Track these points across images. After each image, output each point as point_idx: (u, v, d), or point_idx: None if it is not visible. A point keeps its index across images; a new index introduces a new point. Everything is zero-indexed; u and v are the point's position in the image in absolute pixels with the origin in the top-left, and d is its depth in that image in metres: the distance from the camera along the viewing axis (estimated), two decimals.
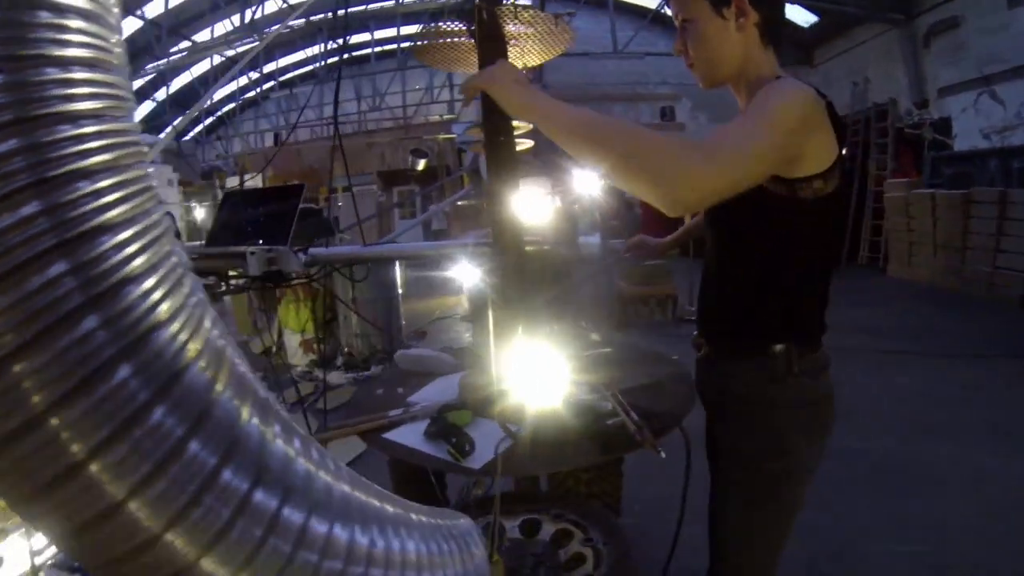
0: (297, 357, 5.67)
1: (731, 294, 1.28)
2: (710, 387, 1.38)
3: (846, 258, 9.72)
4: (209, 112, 18.56)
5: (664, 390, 1.53)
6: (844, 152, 1.14)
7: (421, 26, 1.72)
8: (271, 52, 16.33)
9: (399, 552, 0.64)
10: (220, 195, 11.72)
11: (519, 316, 1.36)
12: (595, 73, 15.26)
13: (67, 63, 0.47)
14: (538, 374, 1.26)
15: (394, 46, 17.41)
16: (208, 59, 16.14)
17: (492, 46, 1.28)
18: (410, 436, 1.36)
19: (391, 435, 1.39)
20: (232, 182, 12.44)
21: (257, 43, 9.80)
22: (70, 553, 0.48)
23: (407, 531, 0.68)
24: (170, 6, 12.37)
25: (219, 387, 0.52)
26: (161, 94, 17.13)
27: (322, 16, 13.74)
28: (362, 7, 15.92)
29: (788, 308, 1.21)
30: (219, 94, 17.57)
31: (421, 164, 10.61)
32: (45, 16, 0.45)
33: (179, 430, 0.48)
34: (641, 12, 15.18)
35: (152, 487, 0.46)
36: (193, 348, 0.51)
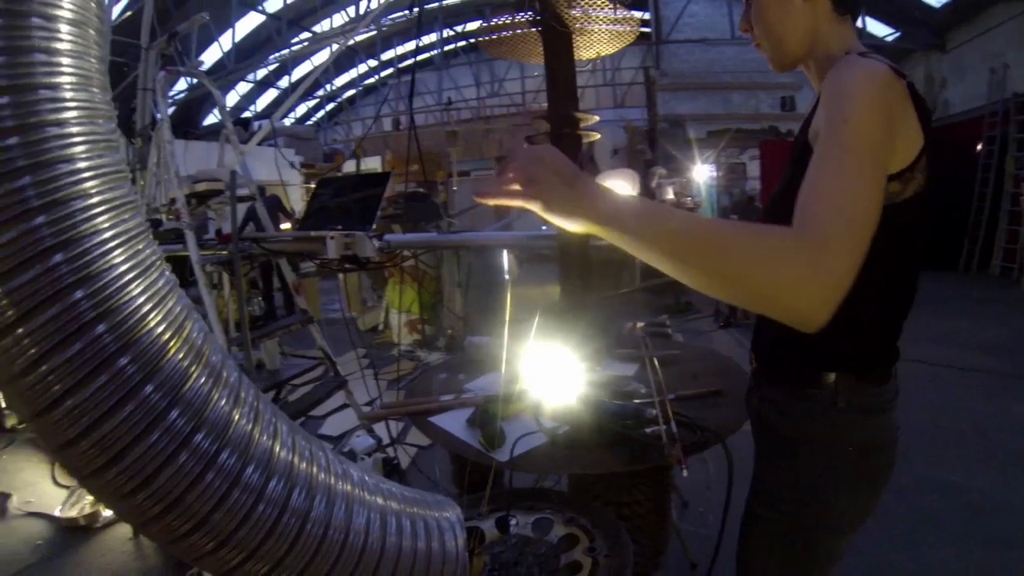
0: (402, 336, 5.93)
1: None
2: (751, 409, 1.23)
3: (976, 266, 8.77)
4: (330, 98, 19.63)
5: (724, 402, 1.46)
6: (928, 143, 0.93)
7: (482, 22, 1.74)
8: (389, 40, 16.97)
9: (342, 520, 0.70)
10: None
11: (575, 314, 1.36)
12: (713, 60, 14.80)
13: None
14: (582, 375, 1.26)
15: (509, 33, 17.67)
16: (327, 48, 17.10)
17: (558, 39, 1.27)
18: (453, 422, 1.41)
19: (437, 419, 1.44)
20: (350, 165, 13.17)
21: (374, 32, 10.23)
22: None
23: (360, 507, 0.73)
24: (288, 1, 12.95)
25: (175, 353, 0.61)
26: (284, 82, 18.38)
27: (436, 4, 14.07)
28: None
29: (850, 331, 0.99)
30: (339, 81, 18.54)
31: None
32: (40, 57, 0.58)
33: (136, 377, 0.61)
34: None
35: (108, 423, 0.59)
36: (154, 319, 0.63)
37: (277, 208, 6.81)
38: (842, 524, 1.10)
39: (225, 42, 13.67)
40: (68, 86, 0.60)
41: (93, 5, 0.64)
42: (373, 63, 18.52)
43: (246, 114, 18.46)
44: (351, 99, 21.15)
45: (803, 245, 0.73)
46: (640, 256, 0.77)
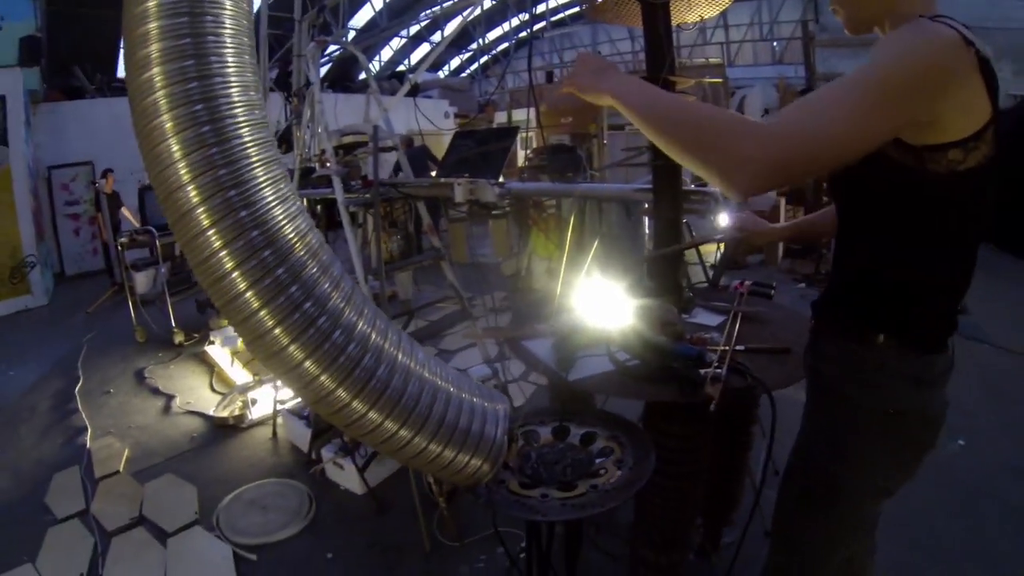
0: (541, 281, 6.18)
1: (844, 268, 1.19)
2: (806, 364, 1.28)
3: None
4: (484, 51, 20.06)
5: (789, 360, 1.53)
6: (996, 116, 0.95)
7: None
8: None
9: (399, 384, 0.97)
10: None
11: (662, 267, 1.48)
12: None
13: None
14: (661, 317, 1.40)
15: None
16: (478, 5, 17.36)
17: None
18: (540, 346, 1.60)
19: (528, 342, 1.64)
20: (501, 117, 13.59)
21: None
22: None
23: (432, 390, 0.95)
24: None
25: (298, 251, 0.87)
26: (436, 37, 19.02)
27: None
28: None
29: (901, 295, 1.07)
30: (493, 34, 18.87)
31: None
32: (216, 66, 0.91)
33: (272, 262, 0.95)
34: None
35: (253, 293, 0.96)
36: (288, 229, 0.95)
37: (427, 156, 7.29)
38: (880, 488, 1.16)
39: (377, 1, 14.31)
40: (236, 93, 0.90)
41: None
42: (524, 17, 18.73)
43: (400, 68, 19.39)
44: (505, 51, 21.57)
45: (759, 130, 0.87)
46: (635, 122, 1.00)
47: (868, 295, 1.11)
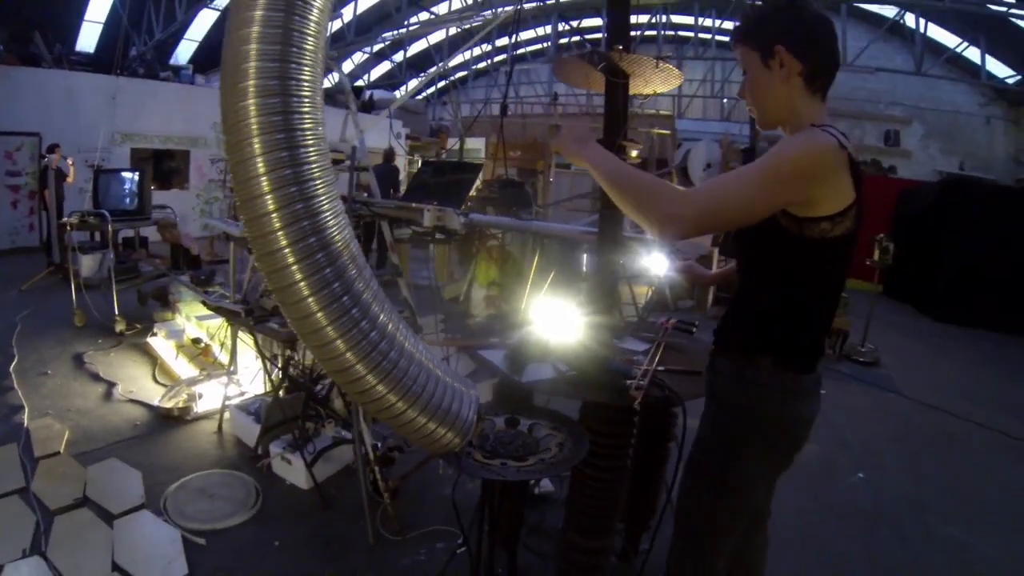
0: (479, 308, 6.46)
1: (739, 305, 1.54)
2: (706, 379, 1.61)
3: None
4: (442, 76, 20.52)
5: (699, 380, 1.83)
6: (857, 201, 1.32)
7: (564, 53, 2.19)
8: (504, 26, 17.57)
9: (410, 363, 1.25)
10: (444, 154, 13.29)
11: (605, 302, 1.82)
12: None
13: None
14: (598, 340, 1.73)
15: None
16: (444, 30, 17.79)
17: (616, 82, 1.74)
18: (494, 355, 1.92)
19: (483, 351, 1.94)
20: (453, 142, 14.04)
21: (491, 17, 10.81)
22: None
23: (426, 372, 1.25)
24: None
25: (345, 257, 1.15)
26: (399, 56, 19.37)
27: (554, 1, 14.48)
28: None
29: (781, 328, 1.42)
30: (453, 61, 19.35)
31: (634, 153, 11.00)
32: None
33: (324, 263, 1.21)
34: (877, 21, 13.92)
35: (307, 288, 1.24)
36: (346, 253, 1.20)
37: (397, 177, 7.56)
38: (751, 474, 1.49)
39: (347, 13, 14.54)
40: (307, 109, 1.19)
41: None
42: (487, 48, 19.25)
43: (359, 83, 19.61)
44: (463, 79, 22.04)
45: (684, 196, 1.27)
46: (599, 181, 1.39)
47: (757, 327, 1.47)
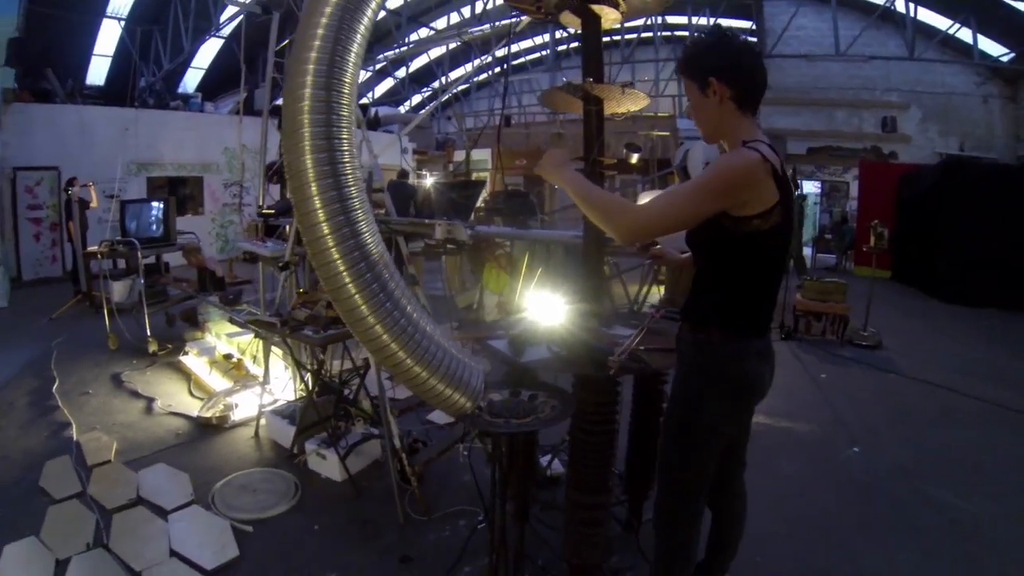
0: (492, 315, 6.80)
1: (697, 289, 1.90)
2: (676, 348, 1.98)
3: None
4: (445, 90, 21.01)
5: (673, 356, 2.18)
6: (784, 198, 1.68)
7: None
8: (502, 38, 18.02)
9: (430, 343, 1.61)
10: (450, 167, 13.72)
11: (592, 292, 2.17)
12: (819, 76, 14.97)
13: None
14: (587, 325, 2.07)
15: (619, 38, 18.28)
16: (444, 45, 18.27)
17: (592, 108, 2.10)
18: (501, 343, 2.27)
19: (492, 341, 2.30)
20: (460, 155, 14.51)
21: (488, 29, 11.21)
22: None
23: (439, 346, 1.60)
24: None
25: (379, 264, 1.54)
26: (401, 72, 19.84)
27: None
28: None
29: (726, 305, 1.79)
30: (454, 74, 19.85)
31: (634, 158, 11.33)
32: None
33: (364, 268, 1.57)
34: (868, 8, 14.10)
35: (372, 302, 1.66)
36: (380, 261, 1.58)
37: (411, 195, 7.96)
38: (710, 420, 1.83)
39: None
40: (348, 159, 1.61)
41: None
42: (487, 59, 19.69)
43: (363, 100, 20.16)
44: (465, 92, 22.54)
45: (635, 210, 1.67)
46: (576, 200, 1.74)
47: (709, 302, 1.85)
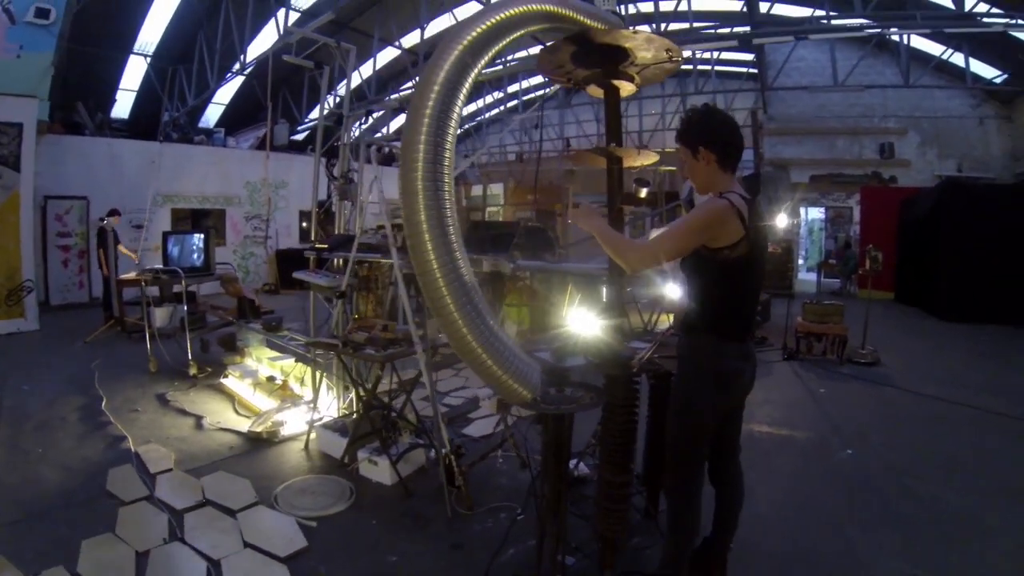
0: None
1: (690, 305, 2.45)
2: (677, 352, 2.54)
3: None
4: (460, 126, 21.69)
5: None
6: (749, 233, 2.23)
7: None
8: (514, 75, 18.68)
9: (505, 349, 2.14)
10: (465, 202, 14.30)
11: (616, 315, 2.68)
12: (820, 105, 15.55)
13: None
14: (612, 342, 2.59)
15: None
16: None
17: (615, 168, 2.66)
18: (545, 354, 2.79)
19: (538, 352, 2.81)
20: (476, 189, 15.26)
21: (500, 68, 11.79)
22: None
23: (511, 351, 2.13)
24: (425, 37, 14.59)
25: (473, 294, 2.12)
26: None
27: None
28: None
29: (710, 316, 2.35)
30: (467, 110, 20.51)
31: (643, 192, 11.81)
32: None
33: (465, 301, 2.18)
34: (864, 38, 14.53)
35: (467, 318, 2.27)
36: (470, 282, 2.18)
37: None
38: (700, 404, 2.38)
39: (366, 70, 15.64)
40: (447, 200, 2.24)
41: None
42: (499, 95, 20.36)
43: (378, 135, 20.90)
44: (477, 127, 23.42)
45: (642, 247, 2.32)
46: (601, 244, 2.37)
47: (697, 314, 2.40)
